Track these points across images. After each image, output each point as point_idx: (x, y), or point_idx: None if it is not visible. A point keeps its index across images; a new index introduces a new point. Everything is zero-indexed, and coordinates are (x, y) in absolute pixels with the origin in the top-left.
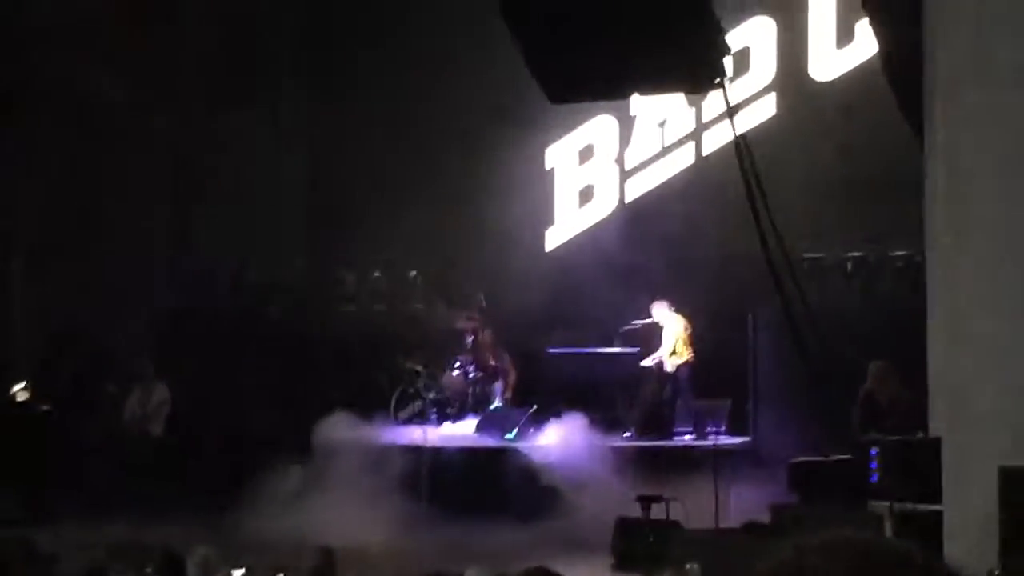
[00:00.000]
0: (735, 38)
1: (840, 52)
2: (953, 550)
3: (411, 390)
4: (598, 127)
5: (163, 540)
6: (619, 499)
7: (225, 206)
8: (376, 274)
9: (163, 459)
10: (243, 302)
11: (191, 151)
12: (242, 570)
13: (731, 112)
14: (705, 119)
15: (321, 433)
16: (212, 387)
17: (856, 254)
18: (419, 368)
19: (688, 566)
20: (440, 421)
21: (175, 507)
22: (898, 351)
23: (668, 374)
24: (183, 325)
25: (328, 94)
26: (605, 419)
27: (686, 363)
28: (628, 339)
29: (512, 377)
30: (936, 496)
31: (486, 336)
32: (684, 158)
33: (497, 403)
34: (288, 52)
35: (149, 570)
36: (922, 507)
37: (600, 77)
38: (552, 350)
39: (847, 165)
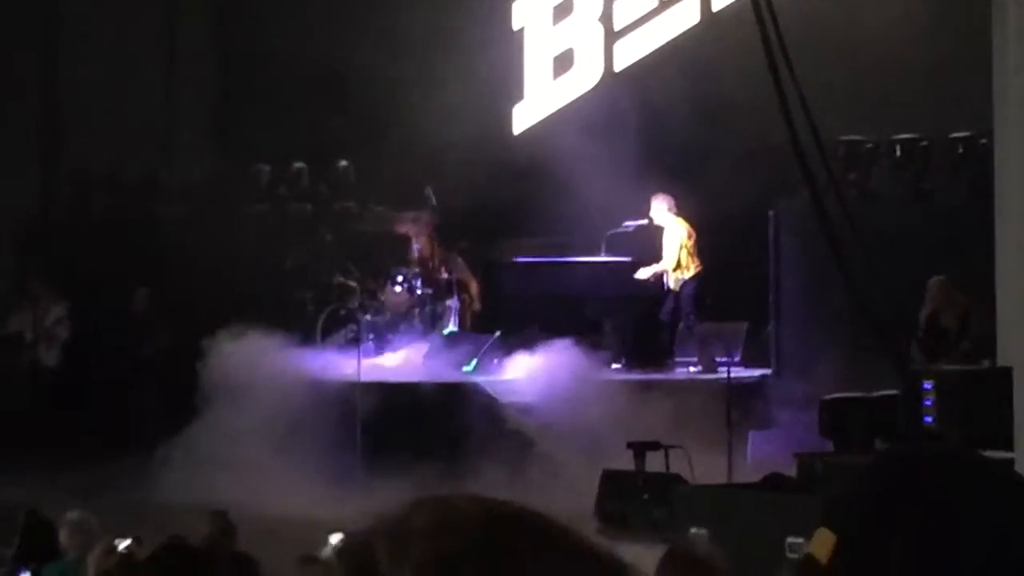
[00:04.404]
0: None
1: None
2: None
3: (343, 311)
4: None
5: (32, 502)
6: (606, 447)
7: (103, 85)
8: (297, 166)
9: (58, 399)
10: (127, 206)
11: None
12: (128, 540)
13: None
14: None
15: (226, 365)
16: (93, 313)
17: (905, 136)
18: (352, 283)
19: (693, 531)
20: (379, 349)
21: (48, 463)
22: (964, 259)
23: (670, 291)
24: (51, 239)
25: None
26: (589, 346)
27: (693, 277)
28: (618, 246)
29: (471, 294)
30: (1006, 440)
31: (436, 243)
32: (688, 15)
33: (452, 327)
34: None
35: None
36: (988, 454)
37: None
38: (521, 259)
39: (895, 22)
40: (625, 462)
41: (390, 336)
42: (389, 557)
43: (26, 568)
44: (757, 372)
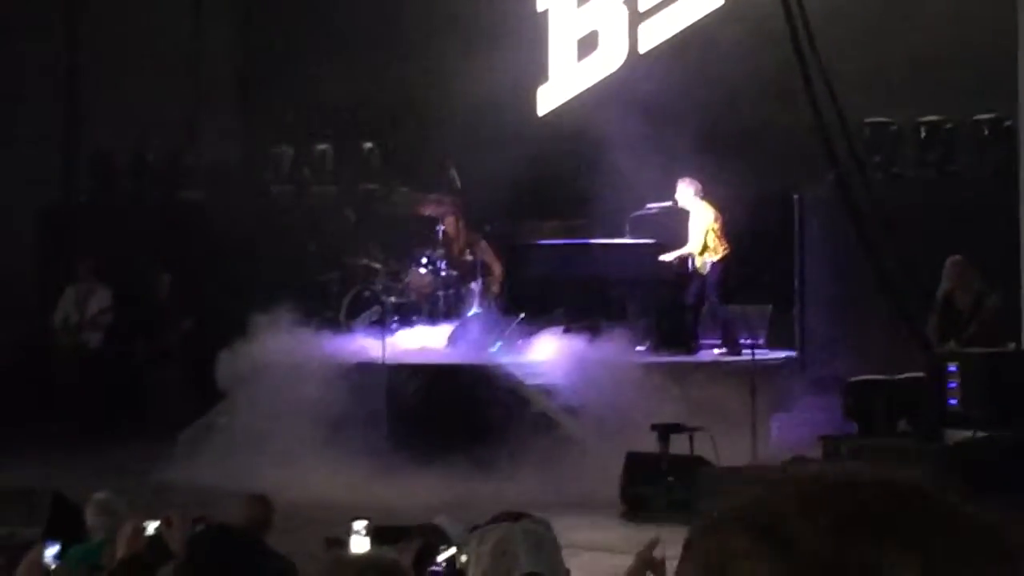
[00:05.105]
0: None
1: None
2: None
3: (367, 293)
4: None
5: (57, 483)
6: (630, 429)
7: (127, 68)
8: (321, 147)
9: (93, 383)
10: (150, 189)
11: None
12: (156, 522)
13: None
14: None
15: (251, 348)
16: (117, 296)
17: (930, 118)
18: (377, 265)
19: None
20: (404, 331)
21: (71, 444)
22: (989, 242)
23: (695, 273)
24: (75, 223)
25: None
26: (612, 329)
27: (720, 260)
28: (641, 228)
29: (495, 276)
30: None
31: (460, 224)
32: None
33: (476, 309)
34: None
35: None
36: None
37: None
38: (545, 242)
39: (920, 4)
40: (649, 444)
41: (415, 318)
42: (801, 511)
43: (54, 543)
44: (781, 355)
